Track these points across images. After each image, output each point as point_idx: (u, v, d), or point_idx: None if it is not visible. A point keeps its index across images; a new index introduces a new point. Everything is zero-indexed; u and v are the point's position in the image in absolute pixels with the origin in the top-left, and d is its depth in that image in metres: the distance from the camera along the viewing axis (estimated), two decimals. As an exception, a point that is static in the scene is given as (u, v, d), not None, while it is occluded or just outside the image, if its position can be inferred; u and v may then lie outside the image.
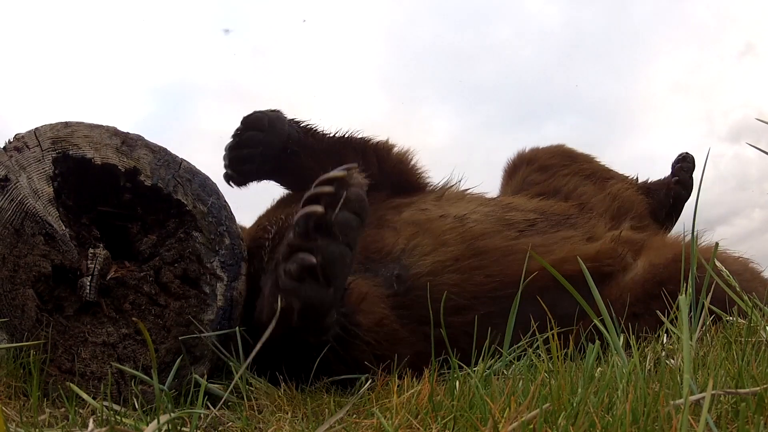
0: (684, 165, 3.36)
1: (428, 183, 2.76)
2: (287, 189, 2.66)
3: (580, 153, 3.34)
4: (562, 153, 3.26)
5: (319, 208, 1.48)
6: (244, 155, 2.47)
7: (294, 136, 2.53)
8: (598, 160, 3.37)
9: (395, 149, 2.73)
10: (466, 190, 2.71)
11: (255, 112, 2.51)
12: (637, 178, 3.40)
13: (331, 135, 2.64)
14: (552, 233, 2.39)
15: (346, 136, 2.65)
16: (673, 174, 3.38)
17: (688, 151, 3.41)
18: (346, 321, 1.76)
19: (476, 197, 2.65)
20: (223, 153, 2.51)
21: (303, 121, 2.63)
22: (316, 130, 2.63)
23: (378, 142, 2.70)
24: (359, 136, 2.67)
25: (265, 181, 2.64)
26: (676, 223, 3.30)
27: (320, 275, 1.47)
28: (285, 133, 2.50)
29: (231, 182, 2.51)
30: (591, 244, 2.38)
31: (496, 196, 2.90)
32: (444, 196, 2.62)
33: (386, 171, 2.64)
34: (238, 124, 2.51)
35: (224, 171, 2.51)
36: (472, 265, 2.10)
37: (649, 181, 3.41)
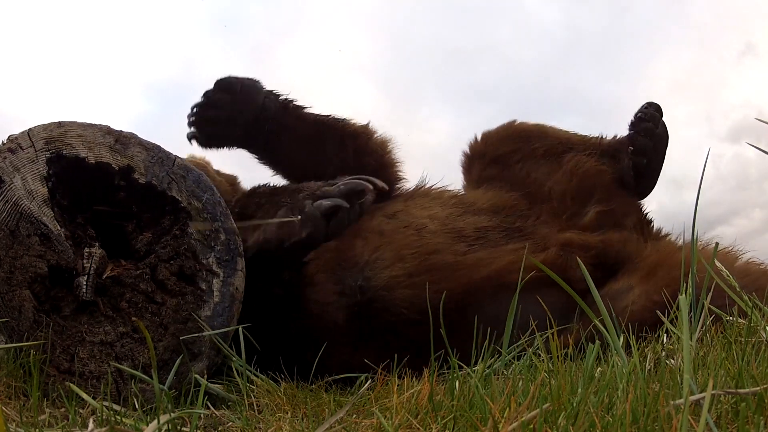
0: (641, 126, 2.67)
1: (402, 177, 2.78)
2: (262, 163, 2.67)
3: (532, 128, 2.94)
4: (512, 136, 2.92)
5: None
6: (210, 116, 2.46)
7: (270, 109, 2.52)
8: (553, 130, 2.94)
9: (374, 138, 2.72)
10: (433, 188, 2.72)
11: (229, 76, 2.49)
12: (600, 139, 2.86)
13: (311, 116, 2.61)
14: (501, 245, 2.40)
15: (326, 118, 2.63)
16: (629, 138, 2.70)
17: (652, 100, 2.72)
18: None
19: (440, 198, 2.66)
20: (189, 111, 2.49)
21: (282, 95, 2.58)
22: (295, 106, 2.60)
23: (356, 130, 2.69)
24: (340, 120, 2.65)
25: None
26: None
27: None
28: (258, 103, 2.49)
29: (193, 142, 2.50)
30: (538, 255, 2.37)
31: (460, 193, 2.80)
32: (414, 196, 2.67)
33: (363, 161, 2.64)
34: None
35: (188, 130, 2.49)
36: (423, 281, 2.16)
37: (609, 140, 2.82)
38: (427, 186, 2.75)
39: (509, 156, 2.85)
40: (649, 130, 2.64)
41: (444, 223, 2.45)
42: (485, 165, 2.88)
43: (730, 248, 2.42)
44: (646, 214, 2.76)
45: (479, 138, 2.98)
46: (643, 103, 2.74)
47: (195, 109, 2.48)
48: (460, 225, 2.47)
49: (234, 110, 2.46)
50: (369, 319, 2.16)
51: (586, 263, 2.30)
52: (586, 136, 2.90)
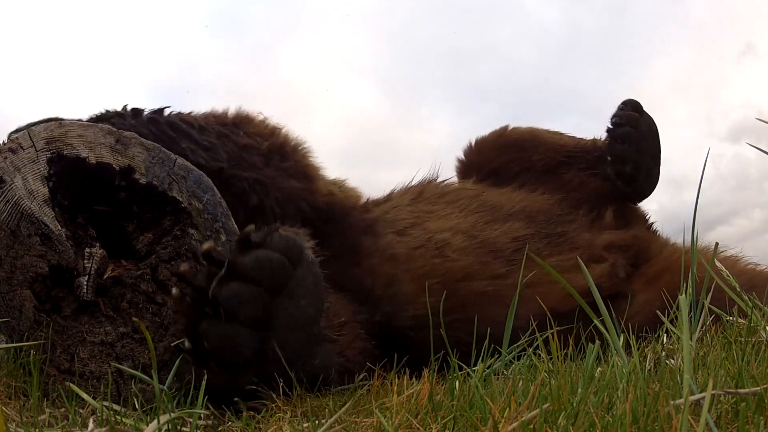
0: (617, 132, 2.56)
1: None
2: None
3: (526, 135, 2.80)
4: (507, 145, 2.77)
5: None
6: None
7: None
8: (548, 136, 2.81)
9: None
10: (445, 183, 2.52)
11: None
12: (594, 141, 2.74)
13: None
14: (544, 258, 2.08)
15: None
16: (607, 147, 2.62)
17: (630, 98, 2.63)
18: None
19: (458, 200, 2.40)
20: None
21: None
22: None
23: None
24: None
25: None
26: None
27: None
28: None
29: None
30: (593, 269, 2.08)
31: (481, 192, 2.57)
32: (423, 197, 2.42)
33: None
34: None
35: None
36: (456, 319, 1.84)
37: (601, 143, 2.69)
38: (436, 181, 2.51)
39: (507, 167, 2.73)
40: (627, 135, 2.51)
41: (470, 235, 2.15)
42: (483, 177, 2.73)
43: (728, 251, 2.39)
44: (649, 218, 2.74)
45: (473, 145, 2.85)
46: (619, 103, 2.65)
47: None
48: (491, 235, 2.17)
49: None
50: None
51: (626, 263, 2.25)
52: (580, 139, 2.80)
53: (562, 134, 2.84)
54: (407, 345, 1.81)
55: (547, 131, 2.85)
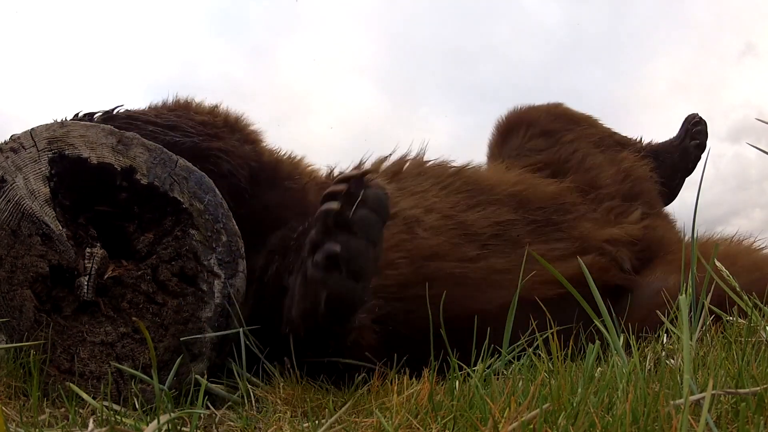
0: (701, 128, 3.14)
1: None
2: None
3: (581, 115, 2.89)
4: (564, 115, 2.82)
5: (335, 205, 1.52)
6: None
7: None
8: (600, 123, 2.94)
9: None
10: (428, 162, 2.39)
11: None
12: (641, 142, 3.06)
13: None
14: (527, 245, 2.02)
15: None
16: (691, 137, 3.13)
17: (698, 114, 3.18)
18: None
19: (437, 177, 2.27)
20: None
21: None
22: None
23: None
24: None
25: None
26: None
27: (344, 268, 1.48)
28: None
29: None
30: (576, 260, 1.89)
31: (467, 168, 2.43)
32: (401, 173, 2.32)
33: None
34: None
35: None
36: (419, 294, 1.76)
37: (655, 144, 3.12)
38: (419, 157, 2.39)
39: (561, 133, 2.68)
40: (706, 132, 2.98)
41: (447, 215, 2.08)
42: (533, 135, 2.68)
43: (734, 240, 2.39)
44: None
45: (524, 107, 2.83)
46: (689, 114, 3.11)
47: None
48: (469, 218, 2.10)
49: None
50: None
51: (632, 257, 2.28)
52: (628, 137, 3.00)
53: (612, 129, 3.00)
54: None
55: (599, 120, 2.98)
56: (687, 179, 3.09)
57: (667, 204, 2.98)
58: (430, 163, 2.39)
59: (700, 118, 3.15)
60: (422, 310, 1.67)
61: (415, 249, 1.97)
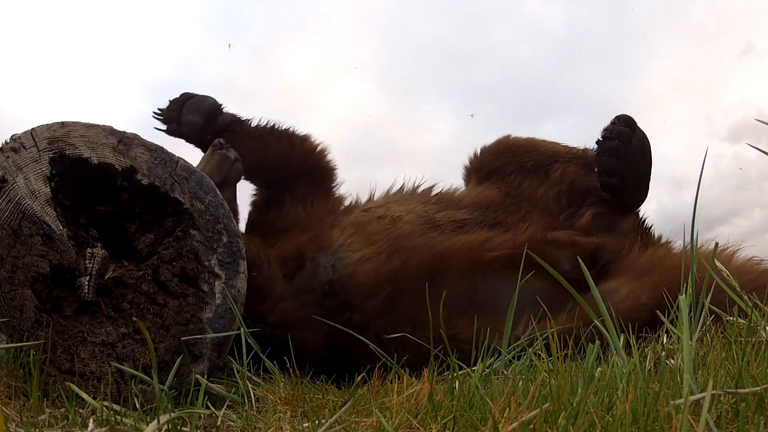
0: (605, 146, 2.61)
1: (336, 181, 3.03)
2: None
3: (523, 142, 3.06)
4: (505, 150, 3.06)
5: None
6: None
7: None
8: (543, 143, 3.03)
9: (317, 144, 3.01)
10: (419, 187, 2.93)
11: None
12: (584, 150, 2.89)
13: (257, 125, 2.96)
14: (475, 234, 2.57)
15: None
16: (595, 158, 2.67)
17: (623, 113, 2.64)
18: None
19: (423, 196, 2.87)
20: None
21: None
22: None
23: (304, 135, 3.02)
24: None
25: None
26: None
27: None
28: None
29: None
30: (507, 238, 2.52)
31: (448, 192, 2.97)
32: (394, 195, 2.89)
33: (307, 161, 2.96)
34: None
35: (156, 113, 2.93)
36: (390, 254, 2.41)
37: (591, 152, 2.81)
38: (413, 186, 2.94)
39: (503, 168, 3.00)
40: (615, 149, 2.60)
41: (420, 215, 2.64)
42: (482, 177, 3.03)
43: (728, 247, 2.43)
44: (644, 219, 2.77)
45: (477, 152, 3.15)
46: (613, 117, 2.71)
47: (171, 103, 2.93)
48: (437, 217, 2.64)
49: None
50: (337, 295, 2.37)
51: (573, 259, 2.38)
52: (572, 147, 2.99)
53: (557, 143, 3.04)
54: (347, 280, 2.39)
55: (544, 140, 3.08)
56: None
57: (635, 205, 2.77)
58: (421, 187, 2.93)
59: (614, 122, 2.65)
60: (390, 263, 2.36)
61: (395, 232, 2.52)
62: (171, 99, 2.95)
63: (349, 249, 2.46)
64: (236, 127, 2.88)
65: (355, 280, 2.38)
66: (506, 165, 2.99)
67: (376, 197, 2.93)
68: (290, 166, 2.88)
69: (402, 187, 2.94)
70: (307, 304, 2.35)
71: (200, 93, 2.96)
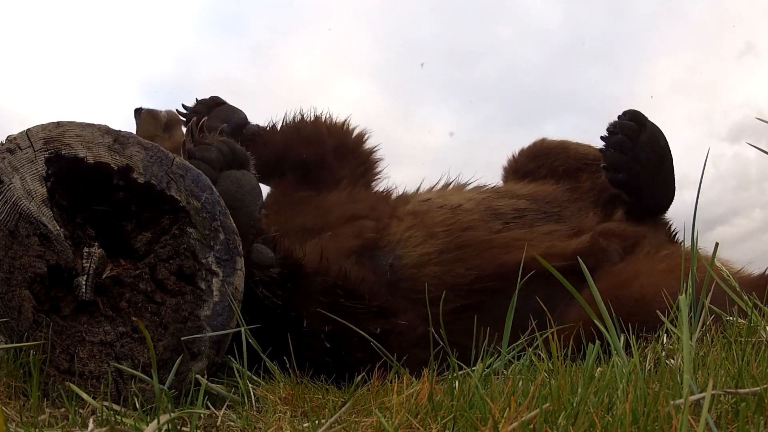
0: (611, 140, 2.61)
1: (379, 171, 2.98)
2: None
3: (556, 145, 3.13)
4: (538, 153, 3.12)
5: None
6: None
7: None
8: (575, 146, 3.09)
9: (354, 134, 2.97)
10: (469, 182, 2.88)
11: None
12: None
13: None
14: (538, 226, 2.50)
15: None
16: (602, 154, 2.68)
17: (631, 109, 2.63)
18: None
19: (477, 188, 2.83)
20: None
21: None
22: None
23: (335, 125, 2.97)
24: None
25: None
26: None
27: None
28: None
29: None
30: (572, 240, 2.43)
31: (498, 185, 3.01)
32: (447, 187, 2.83)
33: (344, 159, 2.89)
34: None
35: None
36: (454, 258, 2.25)
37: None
38: (458, 182, 2.90)
39: (536, 171, 3.04)
40: (619, 143, 2.57)
41: (480, 202, 2.57)
42: (518, 179, 3.05)
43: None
44: (675, 233, 2.78)
45: (514, 154, 3.22)
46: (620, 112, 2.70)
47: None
48: (497, 205, 2.57)
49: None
50: (396, 297, 2.16)
51: (622, 251, 2.39)
52: (595, 152, 2.98)
53: (589, 146, 3.05)
54: (408, 285, 2.21)
55: (577, 143, 3.14)
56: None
57: (659, 205, 2.78)
58: (471, 184, 2.90)
59: (624, 113, 2.66)
60: (454, 270, 2.17)
61: (456, 224, 2.40)
62: (199, 99, 2.94)
63: (408, 244, 2.33)
64: (262, 132, 2.87)
65: (418, 281, 2.19)
66: (539, 167, 3.04)
67: (422, 191, 2.85)
68: (327, 146, 2.80)
69: (447, 183, 2.89)
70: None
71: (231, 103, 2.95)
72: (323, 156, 2.79)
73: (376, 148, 2.96)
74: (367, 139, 2.94)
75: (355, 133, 2.93)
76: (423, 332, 1.99)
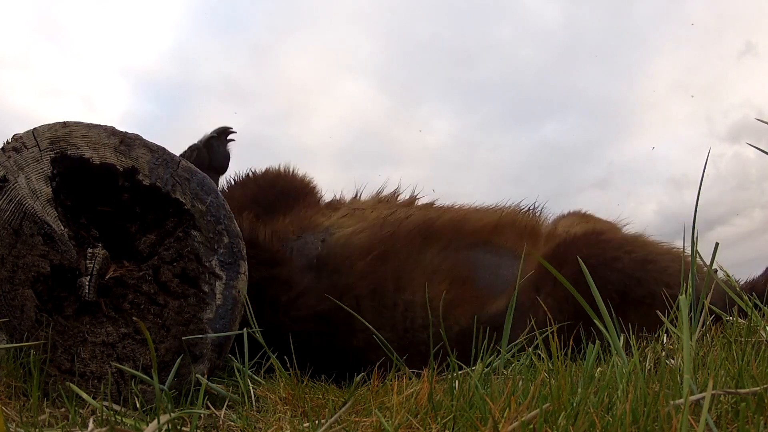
0: None
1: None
2: None
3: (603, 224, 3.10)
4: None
5: None
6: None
7: None
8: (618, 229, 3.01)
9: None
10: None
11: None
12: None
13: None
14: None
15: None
16: None
17: None
18: None
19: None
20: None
21: None
22: None
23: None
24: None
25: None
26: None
27: None
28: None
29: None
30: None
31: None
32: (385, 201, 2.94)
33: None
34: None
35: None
36: (381, 225, 2.49)
37: None
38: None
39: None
40: None
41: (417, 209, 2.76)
42: None
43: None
44: None
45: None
46: None
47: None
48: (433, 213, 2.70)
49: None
50: (327, 264, 2.41)
51: None
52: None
53: None
54: (338, 250, 2.45)
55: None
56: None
57: None
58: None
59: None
60: (380, 232, 2.46)
61: (389, 216, 2.59)
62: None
63: (341, 226, 2.55)
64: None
65: (347, 247, 2.44)
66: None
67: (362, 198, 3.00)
68: (278, 188, 2.95)
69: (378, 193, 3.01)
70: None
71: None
72: (276, 198, 2.95)
73: (315, 182, 3.12)
74: (309, 179, 3.10)
75: (300, 176, 3.08)
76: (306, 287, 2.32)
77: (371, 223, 2.55)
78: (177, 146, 2.89)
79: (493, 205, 2.75)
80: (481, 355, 1.53)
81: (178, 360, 1.61)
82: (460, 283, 2.34)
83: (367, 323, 1.83)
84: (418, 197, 2.90)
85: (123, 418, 1.36)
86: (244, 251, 1.84)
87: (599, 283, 1.68)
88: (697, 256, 1.55)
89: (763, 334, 1.40)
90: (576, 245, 2.24)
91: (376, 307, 2.30)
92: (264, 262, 2.28)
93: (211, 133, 2.98)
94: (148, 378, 1.54)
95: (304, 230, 2.58)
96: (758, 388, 1.00)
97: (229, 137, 3.04)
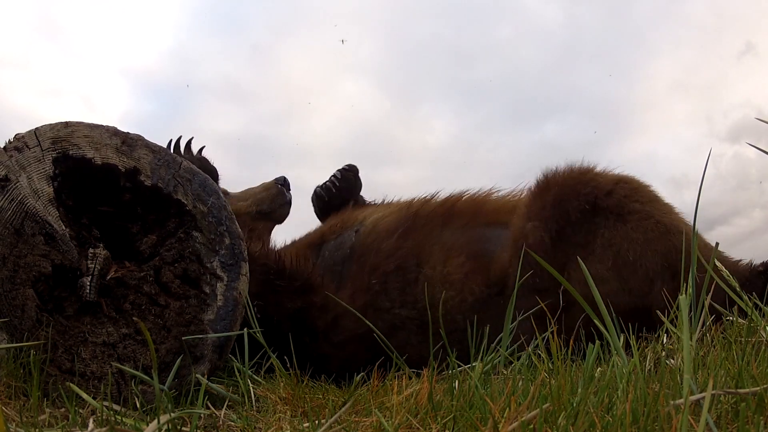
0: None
1: None
2: None
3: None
4: None
5: None
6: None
7: None
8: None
9: None
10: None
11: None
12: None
13: None
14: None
15: None
16: None
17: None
18: None
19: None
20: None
21: None
22: None
23: None
24: None
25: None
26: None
27: None
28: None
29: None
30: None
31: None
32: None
33: None
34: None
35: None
36: (406, 208, 2.70)
37: None
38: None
39: None
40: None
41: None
42: None
43: None
44: None
45: None
46: None
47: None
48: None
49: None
50: (359, 251, 2.64)
51: None
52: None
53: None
54: (367, 239, 2.67)
55: None
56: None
57: None
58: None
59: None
60: (402, 216, 2.67)
61: (411, 207, 2.76)
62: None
63: (372, 215, 2.80)
64: None
65: (375, 231, 2.67)
66: None
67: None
68: None
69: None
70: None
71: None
72: None
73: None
74: None
75: None
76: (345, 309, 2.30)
77: (397, 207, 2.78)
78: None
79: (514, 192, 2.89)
80: (481, 354, 1.53)
81: (178, 360, 1.61)
82: (474, 257, 2.46)
83: (382, 336, 1.84)
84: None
85: (123, 418, 1.36)
86: (246, 252, 1.84)
87: (573, 196, 2.25)
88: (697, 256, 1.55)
89: (763, 334, 1.40)
90: (559, 173, 2.48)
91: (401, 284, 2.45)
92: (297, 291, 2.36)
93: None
94: (148, 378, 1.54)
95: (344, 227, 2.82)
96: (758, 388, 1.00)
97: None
